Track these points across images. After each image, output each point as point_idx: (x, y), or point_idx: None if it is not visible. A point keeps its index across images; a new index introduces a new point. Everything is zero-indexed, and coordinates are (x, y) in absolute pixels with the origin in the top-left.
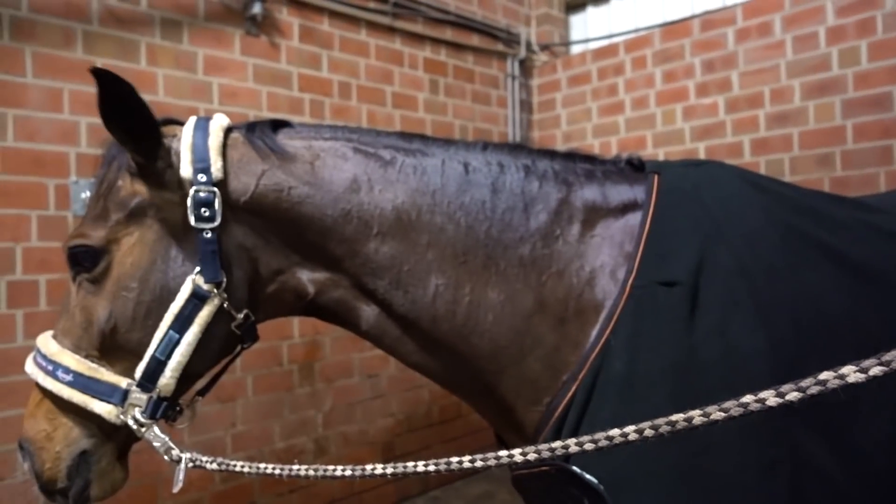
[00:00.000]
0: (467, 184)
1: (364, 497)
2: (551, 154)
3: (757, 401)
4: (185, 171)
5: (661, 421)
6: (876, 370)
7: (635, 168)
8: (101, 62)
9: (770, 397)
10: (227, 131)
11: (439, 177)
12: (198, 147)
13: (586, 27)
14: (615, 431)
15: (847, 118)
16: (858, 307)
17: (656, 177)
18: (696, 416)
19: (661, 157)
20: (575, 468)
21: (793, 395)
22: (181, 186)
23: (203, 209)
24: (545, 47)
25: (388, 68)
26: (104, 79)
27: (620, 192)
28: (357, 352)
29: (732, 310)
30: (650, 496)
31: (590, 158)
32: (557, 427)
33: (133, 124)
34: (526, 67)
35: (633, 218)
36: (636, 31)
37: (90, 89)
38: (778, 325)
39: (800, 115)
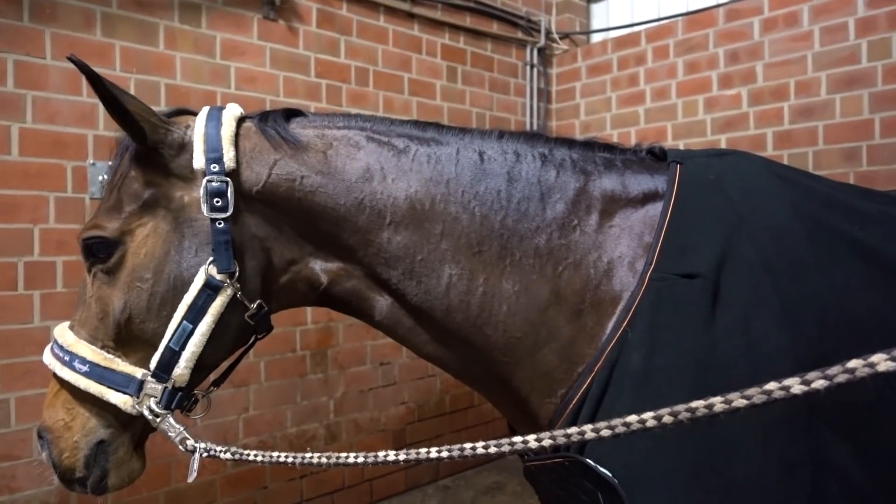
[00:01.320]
0: (482, 173)
1: (374, 484)
2: (569, 143)
3: (781, 388)
4: (198, 161)
5: (680, 407)
6: None
7: (657, 157)
8: (119, 45)
9: (795, 385)
10: (240, 121)
11: (454, 166)
12: (210, 137)
13: (608, 15)
14: (633, 418)
15: (875, 112)
16: (888, 305)
17: (679, 167)
18: (718, 402)
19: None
20: (589, 461)
21: (819, 384)
22: (194, 177)
23: (216, 199)
24: (565, 35)
25: (406, 55)
26: (86, 74)
27: (640, 182)
28: (370, 339)
29: (756, 306)
30: (666, 492)
31: (609, 147)
32: (572, 419)
33: (130, 121)
34: (545, 56)
35: (654, 209)
36: (659, 20)
37: (109, 71)
38: (803, 323)
39: (826, 108)
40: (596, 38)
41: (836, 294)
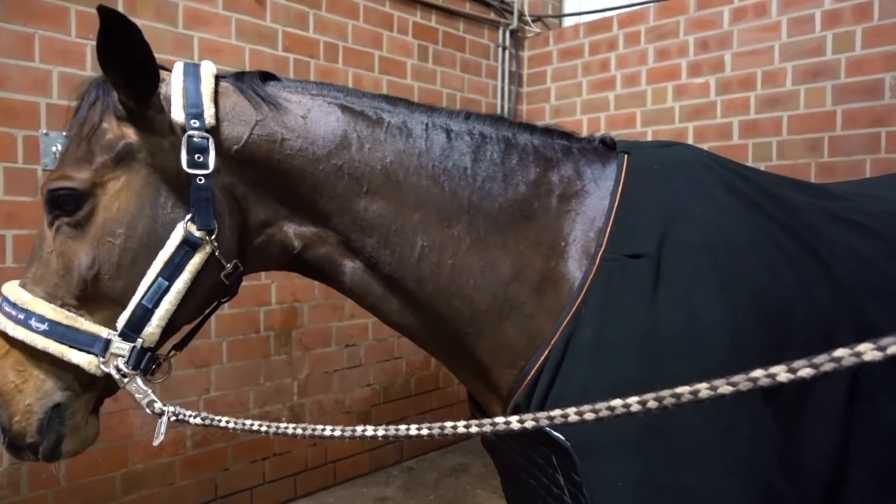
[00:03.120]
0: (450, 150)
1: (338, 466)
2: (531, 128)
3: (767, 375)
4: (177, 116)
5: (665, 393)
6: (895, 349)
7: (608, 147)
8: (75, 9)
9: (781, 373)
10: (217, 79)
11: (424, 140)
12: (189, 92)
13: None
14: (617, 402)
15: (838, 104)
16: (813, 284)
17: (626, 157)
18: (703, 388)
19: (649, 137)
20: (546, 428)
21: (805, 372)
22: (173, 132)
23: (197, 155)
24: (538, 18)
25: (377, 32)
26: (110, 19)
27: (594, 170)
28: (335, 321)
29: (695, 283)
30: (616, 456)
31: (566, 135)
32: (530, 389)
33: (133, 66)
34: (518, 38)
35: (605, 195)
36: (631, 5)
37: (63, 37)
38: (738, 298)
39: (791, 98)
40: (568, 21)
41: (767, 272)
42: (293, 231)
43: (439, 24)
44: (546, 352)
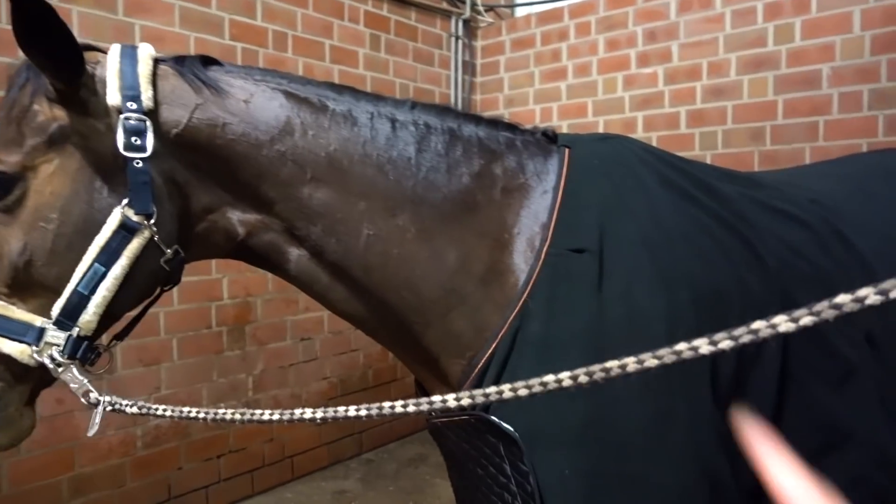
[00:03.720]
0: (395, 139)
1: (296, 460)
2: (476, 119)
3: (690, 348)
4: (113, 98)
5: (595, 367)
6: (807, 320)
7: (549, 140)
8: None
9: (703, 345)
10: (156, 62)
11: (369, 129)
12: (126, 74)
13: None
14: (549, 377)
15: (779, 94)
16: (745, 272)
17: (568, 151)
18: (631, 362)
19: (601, 126)
20: (494, 418)
21: (725, 343)
22: (108, 114)
23: (133, 138)
24: (490, 8)
25: (327, 20)
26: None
27: (537, 164)
28: (290, 314)
29: (635, 276)
30: (562, 445)
31: (511, 127)
32: (478, 380)
33: (53, 48)
34: (470, 28)
35: (548, 189)
36: None
37: None
38: (676, 290)
39: (735, 88)
40: (520, 11)
41: (703, 262)
42: (237, 218)
43: (391, 13)
44: (494, 344)
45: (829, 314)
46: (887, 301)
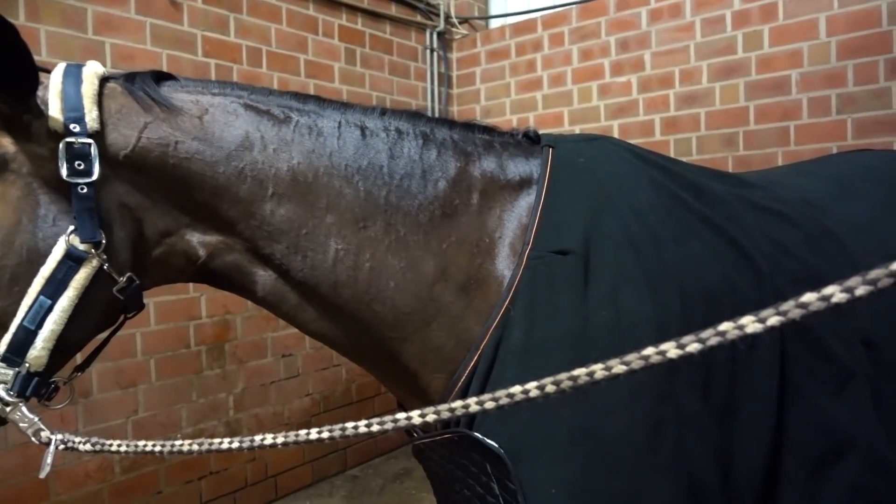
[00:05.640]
0: (365, 148)
1: (279, 480)
2: (450, 123)
3: (658, 353)
4: (55, 121)
5: (563, 376)
6: (773, 320)
7: (531, 141)
8: (44, 30)
9: (671, 349)
10: (104, 80)
11: (336, 140)
12: (69, 95)
13: (506, 1)
14: (516, 388)
15: (750, 100)
16: (735, 274)
17: (551, 150)
18: (598, 369)
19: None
20: (477, 434)
21: (693, 347)
22: (50, 138)
23: (77, 162)
24: (464, 20)
25: (301, 35)
26: None
27: (517, 165)
28: (270, 331)
29: (622, 279)
30: (547, 458)
31: (488, 129)
32: (461, 396)
33: (8, 70)
34: (445, 40)
35: (529, 191)
36: (554, 7)
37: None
38: (664, 293)
39: (707, 95)
40: (494, 23)
41: (691, 265)
42: (196, 240)
43: (365, 27)
44: (476, 356)
45: (796, 314)
46: (853, 299)
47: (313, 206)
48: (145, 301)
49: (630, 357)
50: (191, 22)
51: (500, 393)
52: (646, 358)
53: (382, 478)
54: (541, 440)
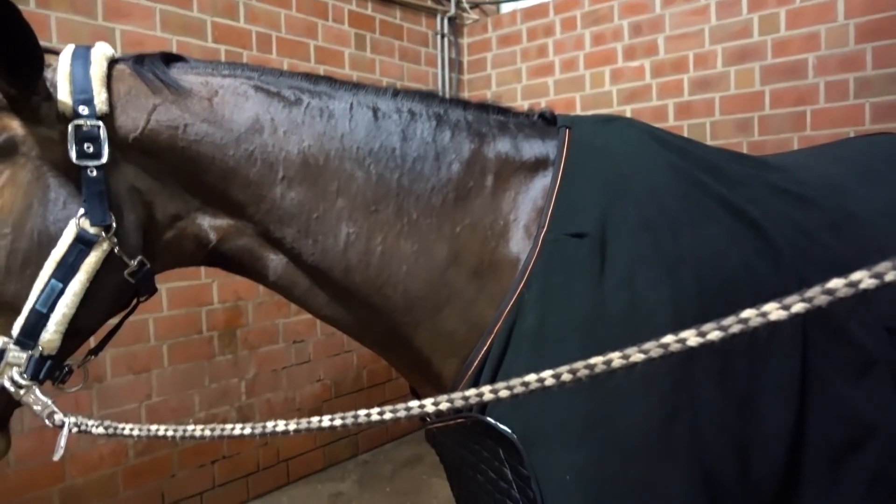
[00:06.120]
0: (377, 130)
1: (291, 464)
2: (464, 104)
3: (678, 340)
4: (64, 103)
5: (579, 364)
6: (798, 307)
7: (547, 122)
8: (55, 16)
9: (691, 337)
10: (112, 62)
11: (347, 121)
12: (77, 77)
13: None
14: (531, 377)
15: (765, 84)
16: (755, 258)
17: (568, 132)
18: (616, 358)
19: None
20: (490, 419)
21: (714, 335)
22: (60, 121)
23: (86, 145)
24: (475, 5)
25: (311, 21)
26: None
27: (533, 147)
28: (281, 317)
29: (639, 263)
30: (560, 444)
31: (503, 110)
32: (473, 381)
33: (13, 51)
34: (456, 25)
35: (545, 172)
36: None
37: (44, 43)
38: (681, 277)
39: (721, 80)
40: (505, 8)
41: (710, 249)
42: (208, 223)
43: (376, 12)
44: (489, 341)
45: (822, 300)
46: (883, 285)
47: (324, 190)
48: (157, 286)
49: (648, 345)
50: (200, 8)
51: (515, 381)
52: (664, 346)
53: (393, 463)
54: (554, 426)
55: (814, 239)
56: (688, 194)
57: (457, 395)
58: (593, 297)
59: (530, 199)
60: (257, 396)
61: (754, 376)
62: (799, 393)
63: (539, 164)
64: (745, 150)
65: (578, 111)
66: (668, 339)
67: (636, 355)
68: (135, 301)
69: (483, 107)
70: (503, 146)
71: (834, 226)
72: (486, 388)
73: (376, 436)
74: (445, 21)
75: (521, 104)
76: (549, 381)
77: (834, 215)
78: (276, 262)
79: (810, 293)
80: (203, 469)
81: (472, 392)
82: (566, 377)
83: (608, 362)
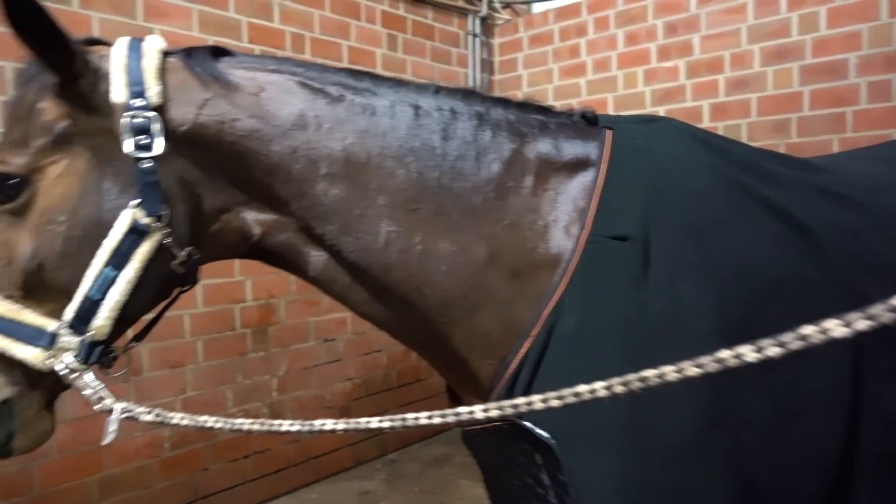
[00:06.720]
0: (418, 128)
1: (320, 462)
2: (505, 103)
3: (735, 356)
4: (118, 94)
5: (632, 376)
6: (862, 325)
7: (589, 122)
8: (98, 17)
9: (749, 353)
10: (164, 55)
11: (389, 119)
12: (132, 69)
13: None
14: (583, 387)
15: (804, 84)
16: (802, 263)
17: (609, 132)
18: (670, 371)
19: None
20: (527, 423)
21: (773, 351)
22: (113, 111)
23: (140, 136)
24: (507, 5)
25: (344, 21)
26: None
27: (574, 147)
28: (313, 316)
29: (681, 266)
30: (598, 450)
31: (544, 110)
32: (511, 384)
33: (43, 34)
34: (487, 25)
35: (586, 173)
36: None
37: None
38: (725, 281)
39: (759, 80)
40: (537, 7)
41: (754, 252)
42: (252, 218)
43: (408, 13)
44: (527, 344)
45: (888, 318)
46: None
47: (365, 187)
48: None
49: (704, 359)
50: (237, 8)
51: (567, 391)
52: (721, 360)
53: (421, 463)
54: (592, 431)
55: (863, 242)
56: (731, 197)
57: (506, 402)
58: (635, 300)
59: (571, 199)
60: (288, 393)
61: (802, 386)
62: (850, 404)
63: (580, 165)
64: (783, 152)
65: (611, 112)
66: (725, 353)
67: (691, 369)
68: (176, 291)
69: (524, 106)
70: (544, 146)
71: (883, 229)
72: (536, 397)
73: (404, 435)
74: (477, 21)
75: (553, 105)
76: (602, 392)
77: (883, 219)
78: (316, 257)
79: (874, 310)
80: (235, 464)
81: (521, 400)
82: (619, 389)
83: (661, 375)
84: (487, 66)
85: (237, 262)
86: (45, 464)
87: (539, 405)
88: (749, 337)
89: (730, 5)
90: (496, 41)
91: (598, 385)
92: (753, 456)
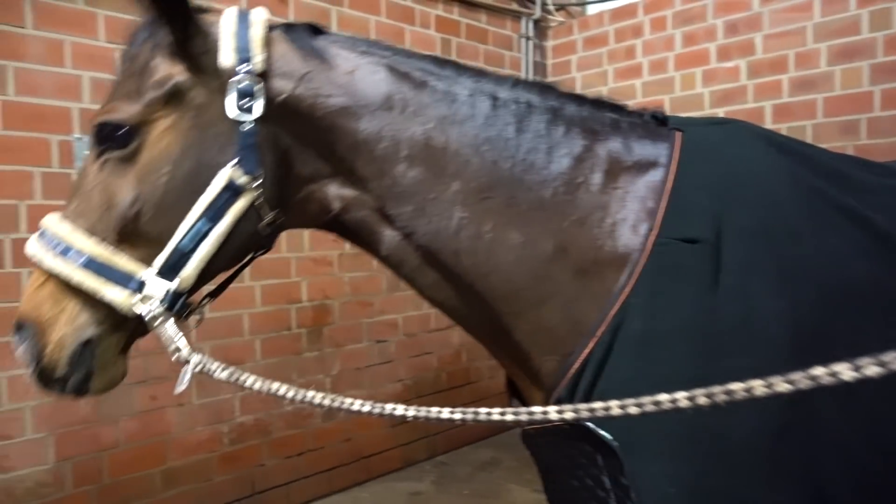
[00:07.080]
0: (494, 118)
1: (370, 461)
2: (580, 99)
3: (830, 374)
4: (227, 58)
5: (717, 389)
6: None
7: (659, 122)
8: (103, 14)
9: (845, 371)
10: (269, 27)
11: (468, 107)
12: (241, 36)
13: None
14: (664, 396)
15: (875, 84)
16: (883, 272)
17: (679, 133)
18: (758, 386)
19: None
20: (590, 424)
21: (872, 370)
22: (221, 75)
23: (244, 100)
24: (561, 7)
25: (399, 26)
26: None
27: (644, 147)
28: (365, 317)
29: (753, 271)
30: (664, 455)
31: (616, 108)
32: (574, 383)
33: (167, 4)
34: (541, 28)
35: (656, 173)
36: None
37: (92, 42)
38: (800, 288)
39: (825, 80)
40: (592, 9)
41: (832, 260)
42: (333, 192)
43: (461, 17)
44: (592, 343)
45: None
46: None
47: (441, 172)
48: (252, 284)
49: (796, 376)
50: (296, 15)
51: (646, 399)
52: (814, 378)
53: (471, 466)
54: (657, 435)
55: None
56: (807, 202)
57: (583, 406)
58: (705, 304)
59: (640, 199)
60: (340, 393)
61: (885, 399)
62: None
63: (650, 165)
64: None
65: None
66: (819, 371)
67: (781, 385)
68: (250, 256)
69: (598, 103)
70: (615, 145)
71: None
72: (614, 403)
73: (454, 437)
74: (530, 24)
75: (626, 104)
76: (684, 403)
77: None
78: (389, 237)
79: None
80: (290, 460)
81: (598, 405)
82: (702, 401)
83: (749, 389)
84: (540, 68)
85: (293, 264)
86: (115, 454)
87: (616, 411)
88: (824, 346)
89: (794, 3)
90: (549, 44)
91: (680, 395)
92: (827, 470)
